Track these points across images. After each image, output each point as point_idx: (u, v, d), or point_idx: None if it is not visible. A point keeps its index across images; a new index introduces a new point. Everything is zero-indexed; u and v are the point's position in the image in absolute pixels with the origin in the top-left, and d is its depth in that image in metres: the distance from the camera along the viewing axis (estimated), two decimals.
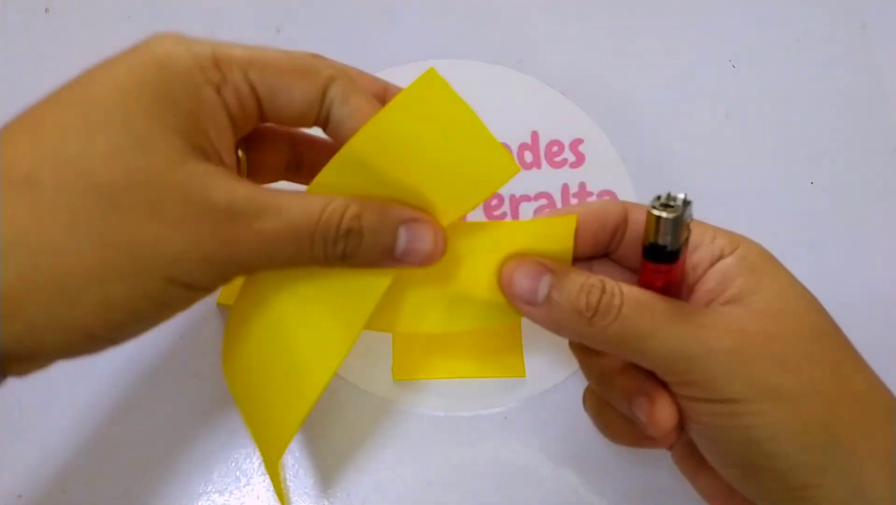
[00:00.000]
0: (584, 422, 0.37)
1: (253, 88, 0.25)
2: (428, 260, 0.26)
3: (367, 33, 0.46)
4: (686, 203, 0.25)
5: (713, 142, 0.44)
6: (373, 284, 0.27)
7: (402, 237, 0.26)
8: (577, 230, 0.28)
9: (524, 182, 0.42)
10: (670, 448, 0.31)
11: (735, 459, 0.26)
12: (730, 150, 0.43)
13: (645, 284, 0.27)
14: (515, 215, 0.41)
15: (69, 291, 0.21)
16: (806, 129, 0.44)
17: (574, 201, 0.41)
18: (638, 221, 0.28)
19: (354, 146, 0.25)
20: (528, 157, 0.43)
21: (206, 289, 0.24)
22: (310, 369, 0.27)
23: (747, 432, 0.25)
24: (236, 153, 0.26)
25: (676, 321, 0.25)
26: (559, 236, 0.28)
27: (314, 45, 0.47)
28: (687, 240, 0.26)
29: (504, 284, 0.27)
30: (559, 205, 0.41)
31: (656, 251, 0.26)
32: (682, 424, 0.28)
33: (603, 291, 0.26)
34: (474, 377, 0.38)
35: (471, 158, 0.27)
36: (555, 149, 0.43)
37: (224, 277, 0.24)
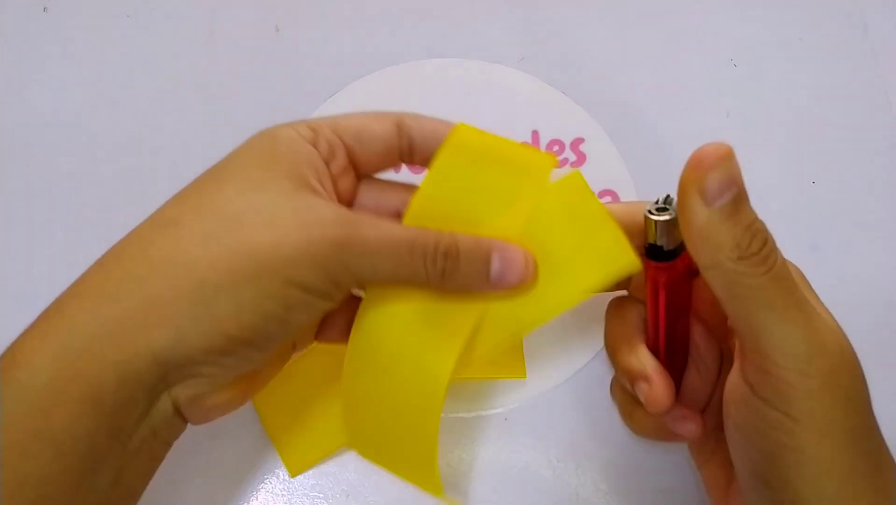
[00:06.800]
0: (585, 422, 0.37)
1: (340, 137, 0.30)
2: (521, 282, 0.28)
3: (367, 33, 0.46)
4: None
5: (714, 141, 0.43)
6: (470, 306, 0.29)
7: (496, 262, 0.28)
8: None
9: None
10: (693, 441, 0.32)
11: (754, 465, 0.27)
12: None
13: (651, 281, 0.29)
14: None
15: (206, 297, 0.24)
16: (807, 129, 0.44)
17: None
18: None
19: (441, 162, 0.29)
20: None
21: (323, 295, 0.26)
22: (423, 392, 0.29)
23: (781, 450, 0.26)
24: (336, 191, 0.30)
25: (807, 309, 0.26)
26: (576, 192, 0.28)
27: (314, 45, 0.47)
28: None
29: (693, 163, 0.27)
30: None
31: (655, 251, 0.28)
32: (704, 419, 0.30)
33: (766, 242, 0.26)
34: (474, 378, 0.37)
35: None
36: (556, 148, 0.43)
37: (336, 283, 0.26)
